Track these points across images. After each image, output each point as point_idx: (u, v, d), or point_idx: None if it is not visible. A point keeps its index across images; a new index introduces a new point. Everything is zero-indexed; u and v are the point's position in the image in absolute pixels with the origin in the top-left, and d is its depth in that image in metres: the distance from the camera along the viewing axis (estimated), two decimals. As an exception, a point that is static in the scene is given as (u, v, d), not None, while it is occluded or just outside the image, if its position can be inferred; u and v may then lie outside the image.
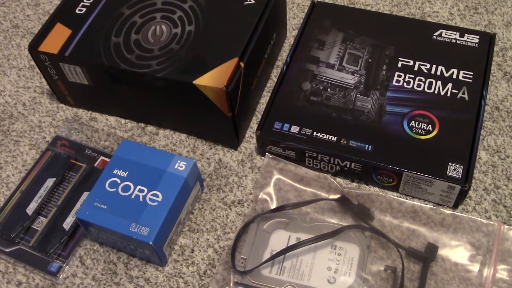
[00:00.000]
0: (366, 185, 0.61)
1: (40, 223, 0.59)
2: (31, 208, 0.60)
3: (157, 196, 0.55)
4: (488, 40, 0.66)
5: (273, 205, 0.59)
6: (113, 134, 0.67)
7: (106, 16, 0.65)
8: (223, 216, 0.59)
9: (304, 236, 0.55)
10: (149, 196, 0.55)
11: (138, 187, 0.56)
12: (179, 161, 0.57)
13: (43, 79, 0.73)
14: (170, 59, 0.60)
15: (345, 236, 0.55)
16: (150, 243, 0.52)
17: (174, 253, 0.57)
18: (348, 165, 0.59)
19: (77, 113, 0.69)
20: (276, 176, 0.61)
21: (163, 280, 0.55)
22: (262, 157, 0.64)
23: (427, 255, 0.54)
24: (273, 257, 0.54)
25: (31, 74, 0.74)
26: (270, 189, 0.60)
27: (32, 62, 0.75)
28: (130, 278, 0.56)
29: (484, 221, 0.56)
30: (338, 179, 0.61)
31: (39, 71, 0.74)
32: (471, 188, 0.59)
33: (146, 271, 0.56)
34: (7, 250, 0.58)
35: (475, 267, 0.53)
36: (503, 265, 0.53)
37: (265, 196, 0.59)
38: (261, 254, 0.55)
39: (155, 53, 0.61)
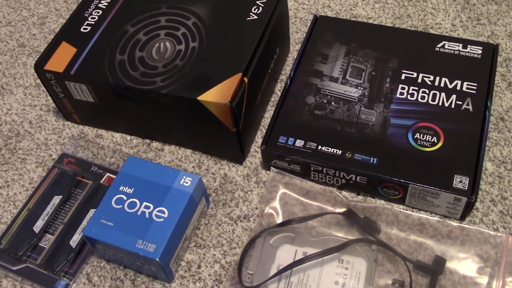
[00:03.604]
0: (372, 198, 0.60)
1: (47, 241, 0.59)
2: (38, 226, 0.60)
3: (163, 212, 0.55)
4: (491, 51, 0.66)
5: (279, 220, 0.59)
6: (119, 151, 0.67)
7: (110, 34, 0.65)
8: (229, 231, 0.59)
9: (310, 251, 0.55)
10: (155, 212, 0.55)
11: (144, 203, 0.56)
12: (184, 177, 0.57)
13: (49, 97, 0.74)
14: (174, 75, 0.60)
15: (352, 250, 0.55)
16: (157, 259, 0.52)
17: (181, 269, 0.57)
18: (353, 178, 0.59)
19: (83, 130, 0.70)
20: (282, 190, 0.61)
21: (170, 297, 0.55)
22: (267, 172, 0.64)
23: (435, 268, 0.54)
24: (280, 272, 0.54)
25: (37, 93, 0.75)
26: (276, 204, 0.60)
27: (38, 81, 0.76)
28: (137, 295, 0.56)
29: (492, 232, 0.55)
30: (343, 193, 0.61)
31: (45, 89, 0.75)
32: (478, 199, 0.59)
33: (153, 288, 0.56)
34: (14, 268, 0.58)
35: (483, 280, 0.53)
36: (512, 277, 0.53)
37: (271, 211, 0.59)
38: (267, 269, 0.55)
39: (159, 69, 0.61)
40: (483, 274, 0.53)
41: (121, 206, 0.56)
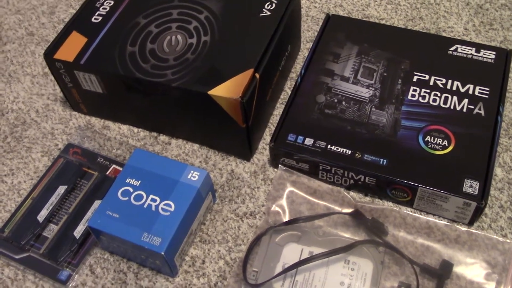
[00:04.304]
0: (380, 200, 0.60)
1: (51, 231, 0.59)
2: (42, 215, 0.60)
3: (169, 206, 0.55)
4: (504, 56, 0.65)
5: (286, 218, 0.58)
6: (126, 143, 0.67)
7: (122, 25, 0.65)
8: (235, 227, 0.59)
9: (317, 250, 0.55)
10: (161, 206, 0.55)
11: (151, 196, 0.55)
12: (192, 172, 0.57)
13: (57, 87, 0.74)
14: (185, 69, 0.60)
15: (358, 251, 0.54)
16: (162, 253, 0.52)
17: (185, 264, 0.56)
18: (362, 179, 0.59)
19: (90, 121, 0.69)
20: (289, 188, 0.60)
21: (174, 291, 0.55)
22: (275, 169, 0.63)
23: (442, 272, 0.53)
24: (285, 271, 0.53)
25: (44, 82, 0.74)
26: (283, 202, 0.59)
27: (46, 69, 0.76)
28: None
29: (500, 239, 0.55)
30: (351, 193, 0.61)
31: (52, 79, 0.74)
32: (487, 205, 0.58)
33: (156, 282, 0.55)
34: (17, 257, 0.57)
35: (490, 286, 0.52)
36: (520, 285, 0.52)
37: (277, 209, 0.59)
38: (273, 267, 0.54)
39: (170, 62, 0.61)
40: (490, 280, 0.53)
41: (127, 198, 0.55)
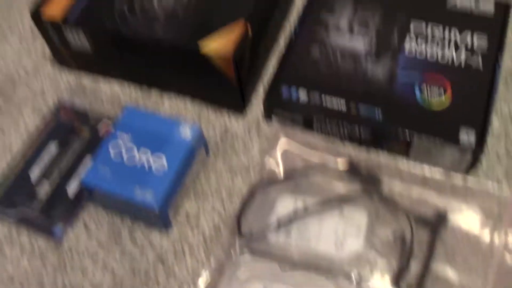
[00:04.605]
0: (376, 151, 0.59)
1: (44, 188, 0.58)
2: (34, 173, 0.59)
3: (162, 162, 0.54)
4: (503, 10, 0.64)
5: (280, 171, 0.57)
6: (117, 100, 0.66)
7: (109, -22, 0.63)
8: (229, 182, 0.58)
9: (311, 201, 0.54)
10: (154, 161, 0.54)
11: (143, 152, 0.55)
12: (184, 127, 0.56)
13: (46, 45, 0.72)
14: (175, 24, 0.58)
15: (353, 202, 0.54)
16: (155, 208, 0.51)
17: (179, 218, 0.56)
18: (357, 131, 0.58)
19: (80, 79, 0.68)
20: (283, 141, 0.59)
21: (168, 244, 0.55)
22: (269, 123, 0.62)
23: (437, 222, 0.53)
24: (279, 223, 0.53)
25: (33, 40, 0.73)
26: (277, 155, 0.59)
27: (35, 28, 0.74)
28: (134, 243, 0.55)
29: (496, 187, 0.55)
30: (347, 145, 0.60)
31: (41, 37, 0.73)
32: (483, 154, 0.57)
33: (151, 236, 0.55)
34: (10, 214, 0.57)
35: (485, 234, 0.52)
36: (515, 232, 0.52)
37: (271, 162, 0.58)
38: (267, 219, 0.54)
39: (159, 18, 0.59)
40: (485, 228, 0.52)
41: (119, 155, 0.55)
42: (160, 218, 0.53)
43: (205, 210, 0.57)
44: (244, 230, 0.54)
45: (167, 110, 0.64)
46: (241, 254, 0.52)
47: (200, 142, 0.57)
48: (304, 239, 0.53)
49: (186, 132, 0.56)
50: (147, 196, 0.52)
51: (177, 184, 0.55)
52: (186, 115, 0.64)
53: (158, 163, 0.54)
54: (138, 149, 0.55)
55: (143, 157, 0.54)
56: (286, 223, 0.53)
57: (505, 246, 0.51)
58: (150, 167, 0.54)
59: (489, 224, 0.53)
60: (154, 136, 0.56)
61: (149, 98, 0.65)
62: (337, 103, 0.58)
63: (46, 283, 0.53)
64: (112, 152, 0.55)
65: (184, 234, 0.55)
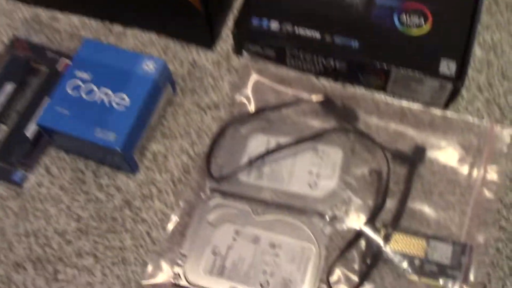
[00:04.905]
0: (352, 85, 0.56)
1: (1, 131, 0.55)
2: (-11, 116, 0.55)
3: (123, 99, 0.50)
4: None
5: (252, 108, 0.55)
6: (77, 35, 0.61)
7: None
8: (197, 120, 0.55)
9: (284, 140, 0.52)
10: (115, 99, 0.51)
11: (103, 90, 0.51)
12: (147, 61, 0.52)
13: (-4, -25, 0.66)
14: None
15: (328, 139, 0.52)
16: (118, 149, 0.49)
17: (146, 160, 0.54)
18: (332, 64, 0.55)
19: (37, 13, 0.63)
20: (255, 77, 0.56)
21: (135, 188, 0.52)
22: (240, 57, 0.58)
23: (414, 157, 0.51)
24: (251, 162, 0.51)
25: (-18, -31, 0.66)
26: (248, 91, 0.55)
27: (-17, -44, 0.67)
28: (99, 187, 0.53)
29: (476, 121, 0.52)
30: (321, 80, 0.57)
31: (-9, -34, 0.67)
32: (464, 86, 0.55)
33: (117, 179, 0.53)
34: (-34, 160, 0.54)
35: (464, 169, 0.51)
36: (494, 166, 0.50)
37: (242, 99, 0.55)
38: (238, 160, 0.52)
39: None
40: (464, 163, 0.51)
41: (77, 93, 0.51)
42: (125, 161, 0.51)
43: (173, 151, 0.54)
44: (214, 171, 0.51)
45: (130, 46, 0.60)
46: (211, 197, 0.50)
47: (166, 78, 0.54)
48: (277, 180, 0.50)
49: (150, 67, 0.52)
50: (109, 137, 0.49)
51: (142, 123, 0.51)
52: (151, 51, 0.59)
53: (120, 101, 0.50)
54: (98, 86, 0.51)
55: (104, 94, 0.51)
56: (258, 163, 0.51)
57: (483, 182, 0.49)
58: (111, 105, 0.50)
59: (468, 159, 0.51)
60: (115, 71, 0.52)
61: (111, 33, 0.61)
62: (311, 33, 0.54)
63: (8, 231, 0.51)
64: (69, 90, 0.51)
65: (151, 177, 0.53)
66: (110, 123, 0.49)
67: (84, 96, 0.51)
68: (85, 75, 0.52)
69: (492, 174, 0.50)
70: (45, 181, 0.53)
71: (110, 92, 0.51)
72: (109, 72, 0.52)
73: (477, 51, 0.57)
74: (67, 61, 0.59)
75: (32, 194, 0.52)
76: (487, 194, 0.49)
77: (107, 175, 0.53)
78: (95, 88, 0.51)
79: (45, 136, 0.54)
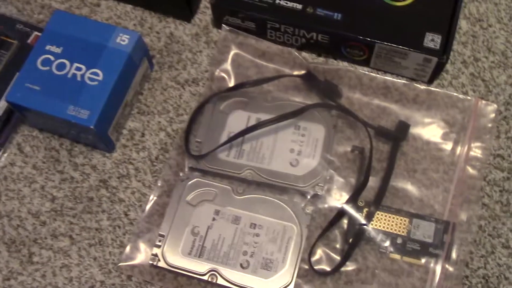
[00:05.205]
0: (334, 60, 0.55)
1: (-31, 109, 0.52)
2: (-44, 92, 0.53)
3: (97, 74, 0.48)
4: None
5: (231, 83, 0.53)
6: (48, 6, 0.58)
7: None
8: (176, 96, 0.53)
9: (265, 117, 0.50)
10: (88, 74, 0.48)
11: (75, 64, 0.49)
12: (121, 34, 0.50)
13: None
14: None
15: (309, 115, 0.50)
16: (92, 127, 0.47)
17: (123, 138, 0.52)
18: (314, 37, 0.53)
19: (5, -18, 0.60)
20: (235, 51, 0.54)
21: (112, 167, 0.51)
22: (219, 30, 0.56)
23: (398, 134, 0.50)
24: (231, 140, 0.49)
25: None
26: (228, 66, 0.54)
27: None
28: (74, 166, 0.51)
29: (461, 96, 0.51)
30: (303, 53, 0.55)
31: None
32: (449, 60, 0.54)
33: (93, 158, 0.51)
34: None
35: (448, 146, 0.50)
36: (478, 143, 0.49)
37: (222, 74, 0.53)
38: (217, 137, 0.50)
39: None
40: (447, 139, 0.50)
41: (48, 68, 0.49)
42: (100, 139, 0.49)
43: (151, 128, 0.52)
44: (193, 149, 0.50)
45: (105, 18, 0.57)
46: (190, 176, 0.49)
47: (142, 52, 0.52)
48: (258, 158, 0.49)
49: (125, 40, 0.50)
50: (82, 114, 0.47)
51: (117, 99, 0.49)
52: (126, 23, 0.57)
53: (93, 76, 0.48)
54: (70, 61, 0.49)
55: (76, 70, 0.48)
56: (238, 140, 0.50)
57: (467, 159, 0.49)
58: (83, 82, 0.48)
59: (452, 136, 0.50)
60: (87, 45, 0.49)
61: (84, 4, 0.58)
62: (292, 4, 0.52)
63: (-20, 211, 0.49)
64: (39, 65, 0.49)
65: (128, 155, 0.51)
66: (83, 99, 0.47)
67: (55, 71, 0.49)
68: (56, 49, 0.49)
69: (476, 151, 0.49)
70: (17, 160, 0.51)
71: (82, 66, 0.49)
72: (82, 45, 0.49)
73: (463, 24, 0.56)
74: (39, 33, 0.56)
75: (4, 174, 0.51)
76: (471, 171, 0.48)
77: (82, 154, 0.51)
78: (66, 63, 0.49)
79: (17, 113, 0.51)
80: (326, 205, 0.48)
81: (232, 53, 0.54)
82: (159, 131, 0.52)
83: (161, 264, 0.45)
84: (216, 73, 0.53)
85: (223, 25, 0.55)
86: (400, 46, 0.50)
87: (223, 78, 0.53)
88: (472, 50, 0.55)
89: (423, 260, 0.46)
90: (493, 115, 0.50)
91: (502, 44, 0.55)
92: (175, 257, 0.45)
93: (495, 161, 0.50)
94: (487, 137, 0.50)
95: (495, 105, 0.51)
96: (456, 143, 0.50)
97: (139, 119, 0.53)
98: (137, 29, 0.56)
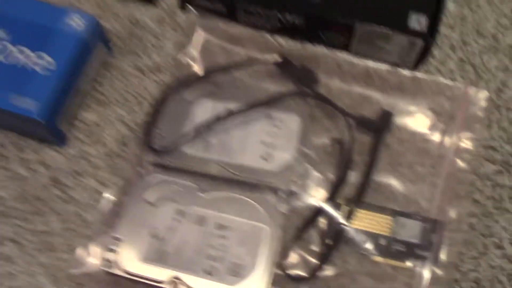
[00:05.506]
0: (311, 44, 0.51)
1: None
2: None
3: (45, 60, 0.44)
4: None
5: (199, 71, 0.49)
6: (-3, -12, 0.53)
7: None
8: (137, 85, 0.49)
9: (234, 106, 0.46)
10: (35, 60, 0.44)
11: (20, 49, 0.44)
12: (73, 17, 0.46)
13: None
14: None
15: (284, 104, 0.46)
16: (38, 118, 0.42)
17: (77, 131, 0.47)
18: (290, 20, 0.49)
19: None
20: (202, 35, 0.50)
21: (64, 163, 0.46)
22: (186, 13, 0.52)
23: (381, 124, 0.46)
24: (196, 132, 0.45)
25: None
26: (195, 51, 0.50)
27: None
28: (23, 162, 0.46)
29: (449, 83, 0.48)
30: (278, 38, 0.51)
31: None
32: (436, 44, 0.50)
33: (43, 154, 0.46)
34: None
35: (435, 137, 0.46)
36: (468, 133, 0.46)
37: (188, 60, 0.49)
38: (182, 129, 0.46)
39: None
40: (435, 130, 0.46)
41: (-10, 52, 0.44)
42: (49, 132, 0.44)
43: (109, 120, 0.48)
44: (155, 143, 0.45)
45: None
46: (151, 172, 0.45)
47: (97, 36, 0.47)
48: (226, 152, 0.45)
49: (78, 23, 0.45)
50: (28, 104, 0.42)
51: (68, 88, 0.45)
52: (84, 6, 0.52)
53: (40, 62, 0.43)
54: (14, 45, 0.44)
55: (20, 55, 0.44)
56: (204, 132, 0.45)
57: (456, 151, 0.45)
58: (29, 68, 0.43)
59: (439, 126, 0.46)
60: (34, 28, 0.45)
61: (37, -16, 0.53)
62: (263, -17, 0.48)
63: None
64: (-20, 50, 0.44)
65: (83, 150, 0.47)
66: (29, 88, 0.43)
67: (-2, 56, 0.44)
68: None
69: (466, 142, 0.45)
70: (-42, 156, 0.46)
71: (29, 51, 0.44)
72: (28, 28, 0.45)
73: (450, 5, 0.52)
74: (-15, 17, 0.51)
75: None
76: (461, 164, 0.45)
77: (30, 149, 0.46)
78: (10, 47, 0.44)
79: (-44, 105, 0.46)
80: (301, 203, 0.44)
81: (199, 37, 0.50)
82: (118, 123, 0.48)
83: (116, 271, 0.40)
84: (182, 60, 0.49)
85: (190, 7, 0.51)
86: (383, 28, 0.46)
87: (190, 64, 0.49)
88: (461, 33, 0.51)
89: (408, 263, 0.42)
90: (484, 103, 0.47)
91: (492, 27, 0.51)
92: (133, 263, 0.41)
93: (487, 153, 0.46)
94: (477, 127, 0.46)
95: (486, 92, 0.47)
96: (444, 134, 0.46)
97: (95, 109, 0.48)
98: (95, 12, 0.52)
